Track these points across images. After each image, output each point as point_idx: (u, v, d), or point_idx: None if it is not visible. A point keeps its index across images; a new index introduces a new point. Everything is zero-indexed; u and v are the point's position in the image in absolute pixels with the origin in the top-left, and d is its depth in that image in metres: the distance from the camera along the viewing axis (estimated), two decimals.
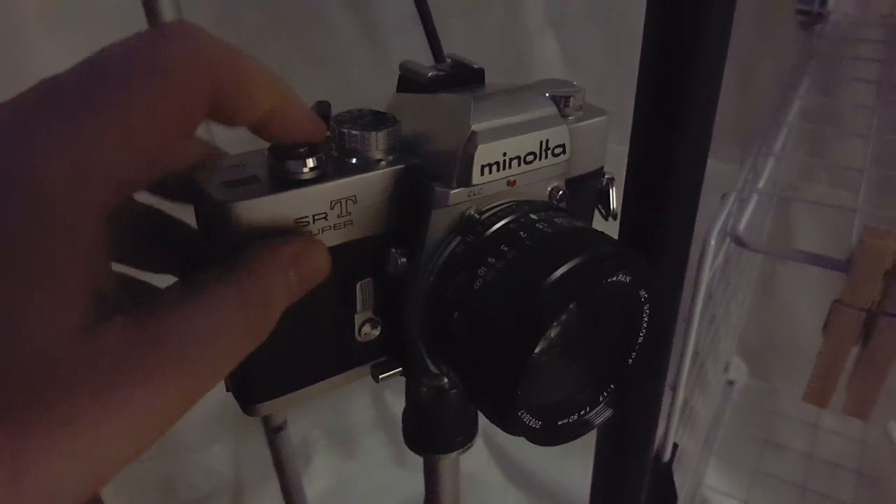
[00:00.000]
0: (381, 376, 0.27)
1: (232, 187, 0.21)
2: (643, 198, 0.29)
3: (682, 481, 0.65)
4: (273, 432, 0.83)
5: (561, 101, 0.26)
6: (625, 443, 0.36)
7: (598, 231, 0.24)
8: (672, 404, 0.41)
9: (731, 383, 0.79)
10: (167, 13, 0.52)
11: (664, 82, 0.27)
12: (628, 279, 0.22)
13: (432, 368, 0.26)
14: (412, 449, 0.33)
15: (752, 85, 0.66)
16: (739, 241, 0.35)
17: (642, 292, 0.23)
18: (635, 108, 0.28)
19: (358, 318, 0.25)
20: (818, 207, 0.64)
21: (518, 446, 0.98)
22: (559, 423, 0.24)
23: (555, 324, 0.23)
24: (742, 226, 0.35)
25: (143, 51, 0.17)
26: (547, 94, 0.26)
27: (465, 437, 0.33)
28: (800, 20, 0.58)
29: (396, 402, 1.04)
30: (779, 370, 0.80)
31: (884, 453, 0.69)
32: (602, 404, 0.25)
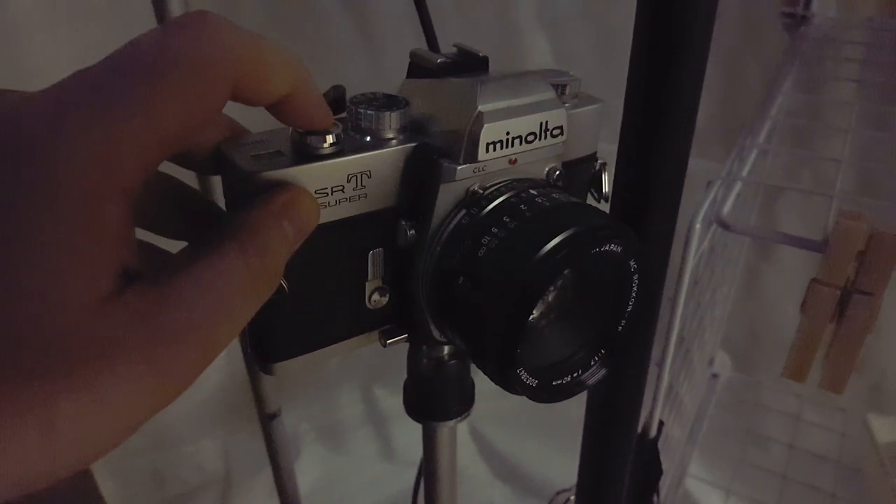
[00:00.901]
0: (388, 341, 0.29)
1: (258, 160, 0.23)
2: (631, 182, 0.31)
3: (666, 467, 0.67)
4: (267, 420, 0.84)
5: (558, 89, 0.28)
6: (612, 416, 0.38)
7: (592, 206, 0.26)
8: (658, 382, 0.43)
9: (715, 376, 0.81)
10: (175, 5, 0.53)
11: (652, 75, 0.29)
12: (619, 249, 0.24)
13: (436, 335, 0.28)
14: (413, 417, 0.35)
15: (738, 86, 0.68)
16: (724, 224, 0.37)
17: (632, 262, 0.25)
18: (626, 99, 0.30)
19: (368, 286, 0.27)
20: (800, 201, 0.67)
21: (504, 441, 1.00)
22: (554, 382, 0.26)
23: (551, 288, 0.25)
24: (726, 211, 0.38)
25: (169, 41, 0.19)
26: (550, 81, 0.28)
27: (462, 407, 0.35)
28: (784, 22, 0.60)
29: (385, 398, 1.06)
30: (762, 364, 0.83)
31: (863, 445, 0.71)
32: (594, 366, 0.27)
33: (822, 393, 0.76)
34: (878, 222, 0.34)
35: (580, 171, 0.31)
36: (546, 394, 0.26)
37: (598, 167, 0.31)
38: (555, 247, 0.23)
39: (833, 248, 0.35)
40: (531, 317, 0.24)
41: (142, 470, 0.95)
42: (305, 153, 0.24)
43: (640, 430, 0.45)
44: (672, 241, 0.31)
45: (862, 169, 0.42)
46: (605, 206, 0.32)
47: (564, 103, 0.29)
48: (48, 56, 0.65)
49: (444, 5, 0.75)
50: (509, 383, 0.25)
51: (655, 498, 0.51)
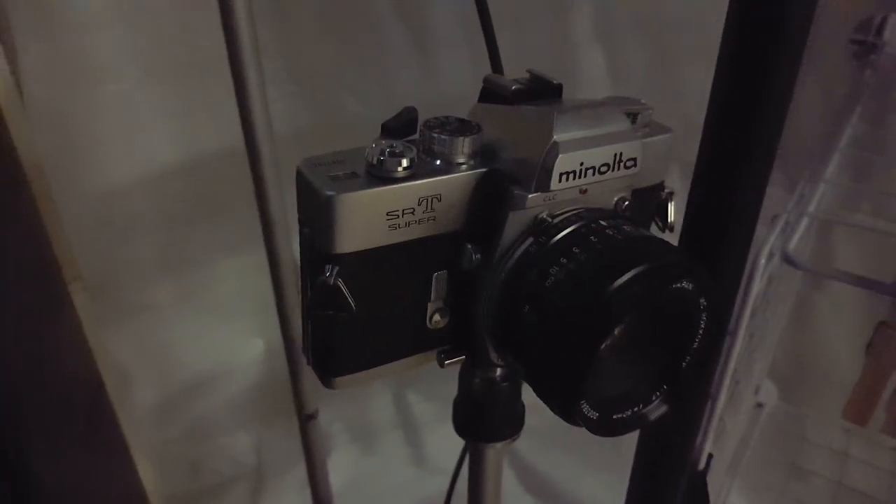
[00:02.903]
0: (446, 362, 0.29)
1: (335, 181, 0.24)
2: (705, 214, 0.30)
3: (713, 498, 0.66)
4: (305, 420, 0.85)
5: (630, 118, 0.28)
6: (665, 449, 0.37)
7: (664, 240, 0.26)
8: (710, 415, 0.42)
9: (760, 406, 0.79)
10: (239, 6, 0.53)
11: (736, 106, 0.29)
12: (690, 286, 0.24)
13: (494, 359, 0.28)
14: (461, 435, 0.35)
15: (801, 113, 0.67)
16: (791, 262, 0.37)
17: (702, 300, 0.25)
18: (704, 130, 0.30)
19: (431, 307, 0.28)
20: (859, 235, 0.65)
21: (536, 454, 0.99)
22: (615, 416, 0.26)
23: (620, 324, 0.25)
24: (792, 247, 0.37)
25: None
26: (623, 111, 0.27)
27: (511, 430, 0.35)
28: (854, 50, 0.59)
29: (418, 403, 1.06)
30: (809, 396, 0.80)
31: None
32: (656, 402, 0.27)
33: (870, 430, 0.74)
34: None
35: (647, 200, 0.30)
36: (606, 427, 0.26)
37: (664, 196, 0.31)
38: (626, 282, 0.23)
39: None
40: (598, 351, 0.24)
41: (178, 459, 0.97)
42: (380, 175, 0.24)
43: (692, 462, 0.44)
44: (741, 277, 0.31)
45: None
46: (668, 235, 0.32)
47: (636, 132, 0.29)
48: (115, 53, 0.67)
49: (498, 17, 0.75)
50: (571, 415, 0.25)
51: None
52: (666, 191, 0.31)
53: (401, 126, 0.27)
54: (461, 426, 0.35)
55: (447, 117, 0.27)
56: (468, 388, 0.33)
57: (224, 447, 1.01)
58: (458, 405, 0.34)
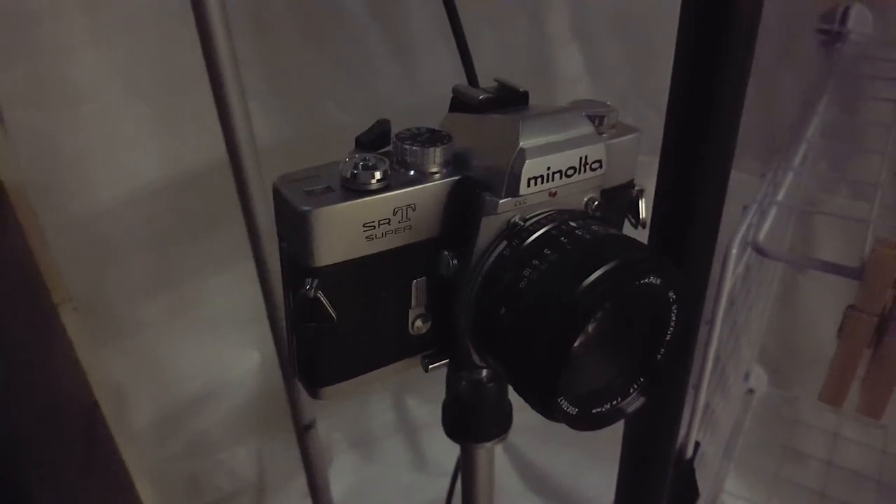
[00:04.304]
0: (430, 366, 0.30)
1: (311, 196, 0.24)
2: (671, 207, 0.31)
3: (702, 485, 0.67)
4: (303, 431, 0.85)
5: (596, 120, 0.29)
6: (650, 439, 0.38)
7: (631, 238, 0.27)
8: (694, 404, 0.43)
9: (751, 391, 0.80)
10: (215, 20, 0.54)
11: (692, 99, 0.30)
12: (658, 281, 0.25)
13: (477, 360, 0.29)
14: (451, 438, 0.36)
15: (773, 101, 0.68)
16: (760, 251, 0.38)
17: (671, 293, 0.26)
18: (665, 124, 0.31)
19: (412, 313, 0.28)
20: (837, 220, 0.66)
21: (537, 453, 1.00)
22: (594, 410, 0.27)
23: (592, 320, 0.26)
24: (762, 235, 0.38)
25: None
26: (588, 114, 0.28)
27: (500, 429, 0.35)
28: (820, 39, 0.60)
29: (417, 407, 1.06)
30: (798, 379, 0.81)
31: None
32: (633, 394, 0.27)
33: (847, 410, 0.75)
34: None
35: (617, 199, 0.31)
36: (586, 422, 0.27)
37: (634, 193, 0.32)
38: (596, 280, 0.24)
39: (869, 276, 0.35)
40: (572, 347, 0.25)
41: (177, 477, 0.97)
42: (354, 188, 0.25)
43: (676, 449, 0.45)
44: (710, 271, 0.31)
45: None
46: (642, 232, 0.33)
47: (602, 134, 0.29)
48: (95, 72, 0.67)
49: (477, 20, 0.76)
50: (550, 411, 0.25)
51: None
52: (636, 188, 0.32)
53: (374, 139, 0.28)
54: (451, 428, 0.35)
55: (419, 128, 0.28)
56: (455, 391, 0.34)
57: (223, 462, 1.01)
58: (446, 408, 0.35)
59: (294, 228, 0.25)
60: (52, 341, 0.50)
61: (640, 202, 0.32)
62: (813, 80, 0.55)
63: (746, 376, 0.80)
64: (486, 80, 0.31)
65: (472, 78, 0.33)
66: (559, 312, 0.24)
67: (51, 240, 0.50)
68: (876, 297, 0.36)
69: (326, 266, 0.25)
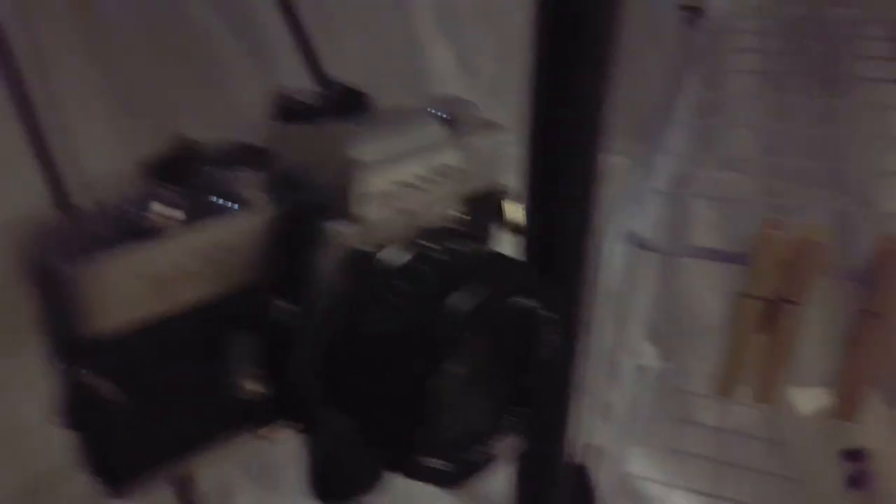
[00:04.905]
0: (261, 431, 0.24)
1: (75, 247, 0.18)
2: (539, 206, 0.27)
3: (607, 473, 0.66)
4: (181, 485, 0.77)
5: (450, 121, 0.25)
6: (540, 451, 0.35)
7: (496, 253, 0.23)
8: (580, 409, 0.40)
9: (643, 369, 0.81)
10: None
11: (551, 89, 0.26)
12: (528, 299, 0.21)
13: (330, 421, 0.24)
14: (321, 500, 0.30)
15: (642, 79, 0.67)
16: (639, 244, 0.35)
17: (541, 310, 0.22)
18: (528, 116, 0.26)
19: (240, 377, 0.23)
20: (717, 204, 0.67)
21: None
22: (465, 457, 0.23)
23: (453, 355, 0.22)
24: (639, 227, 0.35)
25: None
26: (438, 114, 0.24)
27: (374, 478, 0.31)
28: (683, 15, 0.59)
29: None
30: (687, 351, 0.83)
31: (787, 419, 0.72)
32: (506, 428, 0.24)
33: (740, 398, 0.77)
34: (798, 228, 0.33)
35: (486, 206, 0.27)
36: (457, 475, 0.22)
37: (502, 196, 0.28)
38: (455, 308, 0.19)
39: (756, 260, 0.33)
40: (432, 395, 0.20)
41: None
42: (138, 230, 0.19)
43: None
44: (587, 268, 0.28)
45: (772, 164, 0.42)
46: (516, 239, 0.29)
47: (459, 135, 0.25)
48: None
49: (335, 18, 0.71)
50: (413, 471, 0.21)
51: None
52: (502, 191, 0.28)
53: (171, 162, 0.22)
54: (319, 490, 0.30)
55: (230, 144, 0.22)
56: (316, 448, 0.29)
57: None
58: (310, 468, 0.30)
59: (55, 291, 0.18)
60: None
61: (505, 204, 0.28)
62: (679, 59, 0.54)
63: (637, 355, 0.80)
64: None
65: (319, 75, 0.27)
66: (412, 350, 0.19)
67: None
68: (764, 280, 0.34)
69: (104, 336, 0.19)
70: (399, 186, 0.21)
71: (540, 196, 0.28)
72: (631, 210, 0.37)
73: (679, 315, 0.83)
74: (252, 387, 0.23)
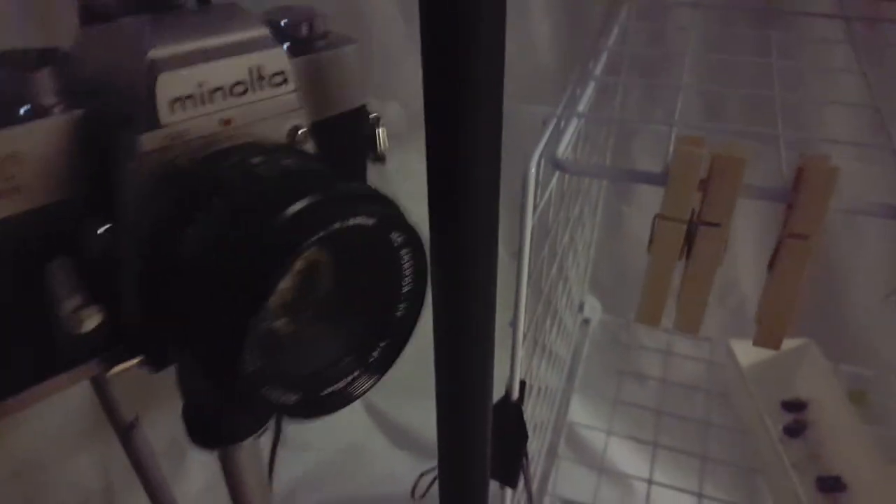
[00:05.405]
0: (113, 370, 0.22)
1: None
2: (441, 140, 0.24)
3: (546, 418, 0.65)
4: (125, 432, 0.76)
5: (294, 28, 0.22)
6: (462, 388, 0.33)
7: (331, 170, 0.20)
8: (513, 343, 0.39)
9: (587, 321, 0.80)
10: None
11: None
12: (371, 222, 0.19)
13: (173, 354, 0.22)
14: (201, 447, 0.29)
15: (577, 32, 0.65)
16: (559, 166, 0.33)
17: (394, 235, 0.20)
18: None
19: (64, 307, 0.21)
20: (656, 140, 0.65)
21: (399, 411, 0.97)
22: (322, 392, 0.21)
23: (291, 284, 0.20)
24: (561, 151, 0.33)
25: None
26: (276, 21, 0.21)
27: (259, 421, 0.29)
28: None
29: None
30: (631, 304, 0.82)
31: (729, 370, 0.73)
32: (372, 366, 0.22)
33: (664, 327, 0.77)
34: (719, 147, 0.31)
35: (346, 130, 0.25)
36: (311, 409, 0.21)
37: (371, 122, 0.26)
38: (280, 226, 0.17)
39: (674, 179, 0.32)
40: (268, 322, 0.19)
41: (11, 498, 0.84)
42: None
43: (504, 393, 0.41)
44: (498, 197, 0.26)
45: (708, 95, 0.40)
46: (382, 169, 0.27)
47: (308, 47, 0.23)
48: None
49: None
50: (250, 403, 0.19)
51: (525, 460, 0.48)
52: (372, 115, 0.26)
53: None
54: (196, 437, 0.28)
55: (25, 49, 0.20)
56: (187, 391, 0.27)
57: (64, 474, 0.90)
58: (184, 414, 0.28)
59: None
60: None
61: (377, 132, 0.26)
62: None
63: (581, 307, 0.79)
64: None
65: None
66: (233, 275, 0.17)
67: None
68: (682, 201, 0.32)
69: None
70: (207, 91, 0.19)
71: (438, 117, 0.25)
72: (551, 135, 0.35)
73: (624, 270, 0.82)
74: (83, 319, 0.20)
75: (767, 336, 0.36)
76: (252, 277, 0.17)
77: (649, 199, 0.78)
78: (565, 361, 0.73)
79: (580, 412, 0.75)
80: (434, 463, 0.41)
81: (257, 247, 0.17)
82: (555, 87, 0.38)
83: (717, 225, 0.33)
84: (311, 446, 0.83)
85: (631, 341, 0.79)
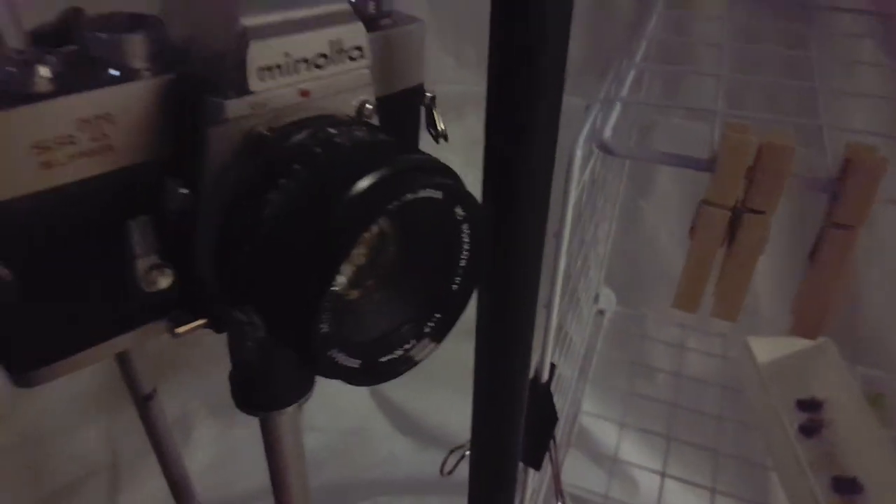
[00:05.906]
0: (177, 330, 0.23)
1: None
2: (502, 123, 0.25)
3: (560, 407, 0.66)
4: (142, 402, 0.77)
5: (363, 6, 0.23)
6: (503, 364, 0.34)
7: (405, 143, 0.21)
8: (547, 324, 0.39)
9: (601, 313, 0.81)
10: None
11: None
12: (440, 195, 0.20)
13: (240, 316, 0.23)
14: (244, 411, 0.30)
15: (610, 26, 0.65)
16: (606, 148, 0.34)
17: (458, 210, 0.21)
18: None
19: (141, 265, 0.21)
20: (678, 130, 0.65)
21: (404, 394, 0.97)
22: (381, 359, 0.22)
23: (363, 251, 0.21)
24: (607, 134, 0.34)
25: None
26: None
27: (299, 392, 0.30)
28: None
29: None
30: (645, 297, 0.83)
31: (743, 366, 0.73)
32: (427, 336, 0.23)
33: (703, 321, 0.78)
34: (766, 135, 0.31)
35: (406, 107, 0.26)
36: (371, 375, 0.22)
37: (427, 101, 0.27)
38: (355, 196, 0.18)
39: (721, 166, 0.32)
40: (337, 288, 0.19)
41: (16, 466, 0.85)
42: (13, 95, 0.17)
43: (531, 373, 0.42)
44: (552, 176, 0.27)
45: (742, 83, 0.40)
46: (444, 146, 0.28)
47: (376, 24, 0.24)
48: None
49: None
50: (321, 367, 0.20)
51: (552, 444, 0.48)
52: (429, 95, 0.27)
53: (55, 31, 0.20)
54: (242, 400, 0.29)
55: (117, 13, 0.20)
56: (239, 355, 0.28)
57: (71, 445, 0.91)
58: (232, 378, 0.29)
59: None
60: None
61: (434, 111, 0.26)
62: None
63: (597, 298, 0.80)
64: None
65: None
66: (311, 241, 0.18)
67: None
68: (728, 188, 0.33)
69: None
70: (294, 61, 0.20)
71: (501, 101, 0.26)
72: (597, 120, 0.36)
73: (639, 263, 0.83)
74: (156, 278, 0.21)
75: (805, 326, 0.36)
76: (333, 239, 0.18)
77: (666, 193, 0.79)
78: (580, 352, 0.74)
79: (593, 403, 0.75)
80: (441, 446, 0.41)
81: (338, 211, 0.18)
82: (579, 79, 0.38)
83: (762, 212, 0.33)
84: (315, 427, 0.84)
85: (644, 333, 0.80)
